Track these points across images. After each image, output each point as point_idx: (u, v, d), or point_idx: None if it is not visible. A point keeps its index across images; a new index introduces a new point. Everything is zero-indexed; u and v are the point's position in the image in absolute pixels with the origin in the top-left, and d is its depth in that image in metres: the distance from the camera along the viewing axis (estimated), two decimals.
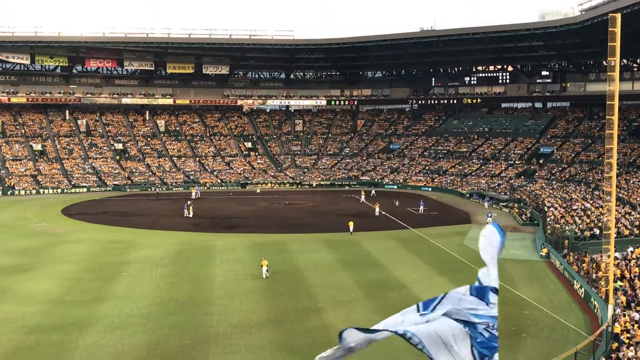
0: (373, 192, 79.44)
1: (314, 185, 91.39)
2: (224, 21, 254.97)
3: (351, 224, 52.36)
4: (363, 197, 74.32)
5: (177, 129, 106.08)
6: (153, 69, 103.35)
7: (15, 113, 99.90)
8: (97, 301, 32.43)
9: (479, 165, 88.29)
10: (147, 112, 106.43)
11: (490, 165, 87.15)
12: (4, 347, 25.82)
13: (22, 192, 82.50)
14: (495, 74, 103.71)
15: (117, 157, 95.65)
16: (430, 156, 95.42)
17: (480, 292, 5.34)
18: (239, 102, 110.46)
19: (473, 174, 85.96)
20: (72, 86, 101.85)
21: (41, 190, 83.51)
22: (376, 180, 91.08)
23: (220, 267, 40.66)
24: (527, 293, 33.17)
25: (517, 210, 63.04)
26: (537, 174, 79.54)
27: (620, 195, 52.02)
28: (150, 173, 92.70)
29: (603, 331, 25.12)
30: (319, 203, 73.00)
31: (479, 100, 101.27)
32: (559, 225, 46.29)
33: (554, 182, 72.65)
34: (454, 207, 68.87)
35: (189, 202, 66.54)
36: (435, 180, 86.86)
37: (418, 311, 5.38)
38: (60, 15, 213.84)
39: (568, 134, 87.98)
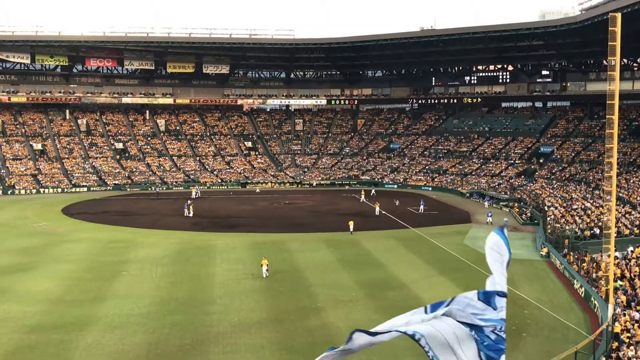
0: (373, 191, 79.43)
1: (314, 184, 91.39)
2: (224, 21, 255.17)
3: (351, 224, 52.38)
4: (363, 196, 74.34)
5: (178, 128, 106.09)
6: (153, 68, 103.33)
7: (15, 112, 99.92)
8: (98, 300, 32.44)
9: (479, 164, 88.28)
10: (148, 111, 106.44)
11: (491, 165, 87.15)
12: (4, 346, 25.83)
13: (23, 192, 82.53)
14: (495, 74, 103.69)
15: (118, 157, 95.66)
16: (431, 155, 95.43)
17: (487, 297, 5.34)
18: (239, 102, 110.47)
19: (473, 173, 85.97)
20: (72, 85, 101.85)
21: (41, 190, 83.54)
22: (376, 179, 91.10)
23: (221, 266, 40.67)
24: (527, 292, 33.17)
25: (517, 209, 63.06)
26: (537, 173, 79.54)
27: (621, 194, 52.01)
28: (150, 172, 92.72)
29: (603, 330, 25.13)
30: (319, 202, 73.01)
31: (479, 99, 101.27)
32: (559, 225, 46.28)
33: (554, 182, 72.66)
34: (454, 207, 68.89)
35: (189, 201, 66.56)
36: (435, 179, 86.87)
37: (425, 314, 5.40)
38: (60, 14, 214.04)
39: (568, 133, 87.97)
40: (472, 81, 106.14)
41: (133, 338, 26.79)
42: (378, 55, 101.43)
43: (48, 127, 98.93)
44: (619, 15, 26.21)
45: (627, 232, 42.24)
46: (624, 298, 28.25)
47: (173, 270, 39.53)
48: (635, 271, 31.47)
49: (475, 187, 79.41)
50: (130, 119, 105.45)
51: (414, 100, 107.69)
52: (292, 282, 36.28)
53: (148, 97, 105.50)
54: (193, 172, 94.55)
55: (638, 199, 50.38)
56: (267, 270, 37.05)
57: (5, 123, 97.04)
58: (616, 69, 26.26)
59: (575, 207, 53.07)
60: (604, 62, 79.06)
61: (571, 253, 39.40)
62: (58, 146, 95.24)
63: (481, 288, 5.49)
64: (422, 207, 64.72)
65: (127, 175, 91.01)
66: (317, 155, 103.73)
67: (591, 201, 54.02)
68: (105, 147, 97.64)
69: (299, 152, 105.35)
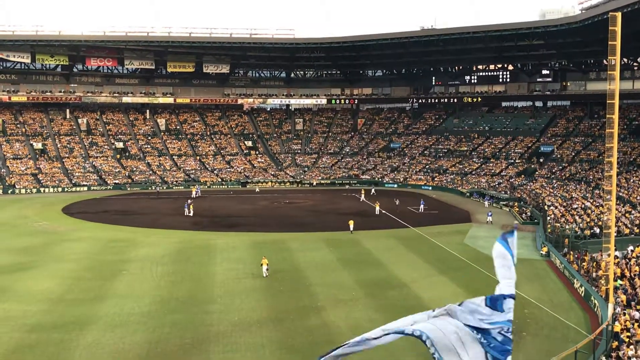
0: (373, 191, 79.41)
1: (314, 184, 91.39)
2: (224, 20, 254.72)
3: (351, 223, 52.39)
4: (363, 196, 74.37)
5: (178, 127, 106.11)
6: (153, 67, 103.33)
7: (15, 112, 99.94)
8: (98, 300, 32.48)
9: (479, 164, 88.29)
10: (148, 111, 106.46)
11: (491, 164, 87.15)
12: (4, 345, 25.86)
13: (23, 191, 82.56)
14: (495, 73, 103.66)
15: (118, 156, 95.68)
16: (431, 155, 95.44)
17: (494, 302, 5.33)
18: (240, 101, 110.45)
19: (473, 172, 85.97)
20: (72, 85, 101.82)
21: (42, 189, 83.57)
22: (376, 179, 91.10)
23: (221, 265, 40.70)
24: (527, 292, 33.14)
25: (517, 209, 63.05)
26: (537, 172, 79.53)
27: (621, 194, 52.02)
28: (150, 172, 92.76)
29: (603, 330, 25.16)
30: (319, 202, 73.03)
31: (479, 99, 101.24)
32: (559, 224, 46.30)
33: (554, 181, 72.66)
34: (454, 206, 68.91)
35: (189, 200, 66.60)
36: (435, 179, 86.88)
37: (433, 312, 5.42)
38: (60, 14, 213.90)
39: (568, 132, 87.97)
40: (472, 81, 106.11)
41: (133, 337, 26.82)
42: (378, 55, 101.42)
43: (48, 126, 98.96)
44: (619, 15, 26.22)
45: (627, 231, 42.26)
46: (624, 297, 28.26)
47: (173, 269, 39.56)
48: (635, 270, 31.49)
49: (476, 187, 79.42)
50: (131, 119, 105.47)
51: (414, 100, 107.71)
52: (292, 282, 36.31)
53: (148, 96, 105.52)
54: (193, 171, 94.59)
55: (638, 198, 50.40)
56: (267, 269, 37.07)
57: (5, 122, 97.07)
58: (616, 68, 26.28)
59: (575, 206, 53.08)
60: (604, 61, 79.04)
61: (571, 252, 39.41)
62: (58, 145, 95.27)
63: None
64: (422, 206, 64.74)
65: (127, 174, 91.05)
66: (317, 154, 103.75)
67: (591, 200, 54.03)
68: (106, 147, 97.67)
69: (299, 151, 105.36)
